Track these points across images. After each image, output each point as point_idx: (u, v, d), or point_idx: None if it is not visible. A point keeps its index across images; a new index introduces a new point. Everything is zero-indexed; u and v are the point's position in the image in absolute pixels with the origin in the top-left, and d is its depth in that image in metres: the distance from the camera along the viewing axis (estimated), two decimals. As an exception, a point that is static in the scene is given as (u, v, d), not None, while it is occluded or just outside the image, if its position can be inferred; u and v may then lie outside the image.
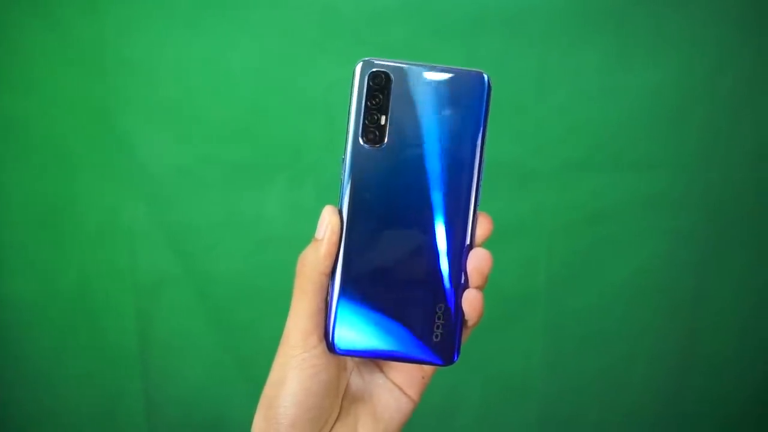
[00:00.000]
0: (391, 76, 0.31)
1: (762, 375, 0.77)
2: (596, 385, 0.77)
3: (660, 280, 0.74)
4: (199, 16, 0.68)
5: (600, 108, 0.70)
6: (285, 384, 0.31)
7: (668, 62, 0.68)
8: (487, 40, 0.68)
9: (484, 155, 0.32)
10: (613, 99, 0.69)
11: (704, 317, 0.75)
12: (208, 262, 0.74)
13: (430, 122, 0.31)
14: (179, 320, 0.76)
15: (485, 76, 0.32)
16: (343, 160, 0.32)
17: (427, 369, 0.34)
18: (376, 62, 0.31)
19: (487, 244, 0.32)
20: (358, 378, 0.35)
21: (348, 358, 0.34)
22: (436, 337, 0.32)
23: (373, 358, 0.33)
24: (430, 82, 0.31)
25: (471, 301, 0.32)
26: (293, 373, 0.31)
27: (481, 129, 0.32)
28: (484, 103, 0.32)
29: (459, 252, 0.32)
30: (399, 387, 0.34)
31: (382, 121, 0.31)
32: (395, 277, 0.32)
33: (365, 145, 0.31)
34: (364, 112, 0.31)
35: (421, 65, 0.31)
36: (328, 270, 0.32)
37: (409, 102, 0.31)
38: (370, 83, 0.31)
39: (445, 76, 0.31)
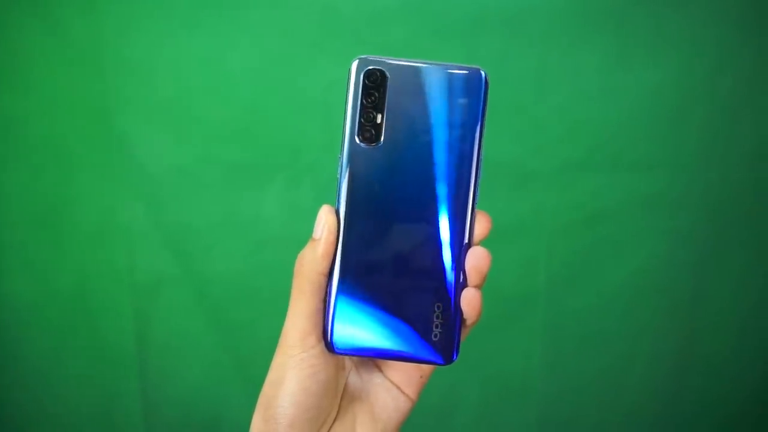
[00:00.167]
0: (387, 73, 0.31)
1: (761, 375, 0.77)
2: (595, 385, 0.77)
3: (659, 280, 0.74)
4: (198, 15, 0.68)
5: (600, 108, 0.70)
6: (283, 384, 0.31)
7: (668, 62, 0.68)
8: (487, 40, 0.68)
9: (482, 153, 0.32)
10: (612, 99, 0.69)
11: (703, 317, 0.75)
12: (206, 262, 0.74)
13: (427, 120, 0.31)
14: (177, 320, 0.76)
15: (482, 73, 0.31)
16: (340, 159, 0.32)
17: (426, 368, 0.34)
18: (371, 60, 0.31)
19: (486, 243, 0.32)
20: (356, 377, 0.35)
21: (346, 358, 0.34)
22: (435, 336, 0.32)
23: (372, 357, 0.33)
24: (427, 79, 0.31)
25: (470, 300, 0.31)
26: (292, 373, 0.31)
27: (479, 126, 0.31)
28: (482, 100, 0.31)
29: (457, 251, 0.32)
30: (397, 386, 0.34)
31: (378, 120, 0.31)
32: (393, 276, 0.32)
33: (361, 143, 0.31)
34: (359, 111, 0.31)
35: (417, 62, 0.31)
36: (326, 270, 0.31)
37: (406, 99, 0.31)
38: (366, 81, 0.31)
39: (442, 72, 0.31)
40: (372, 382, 0.34)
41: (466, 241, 0.32)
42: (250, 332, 0.75)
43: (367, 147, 0.31)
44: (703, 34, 0.68)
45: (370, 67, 0.31)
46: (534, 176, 0.71)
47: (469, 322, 0.32)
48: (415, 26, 0.68)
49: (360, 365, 0.35)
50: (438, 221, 0.32)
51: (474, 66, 0.31)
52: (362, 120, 0.31)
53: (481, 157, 0.32)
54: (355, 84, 0.31)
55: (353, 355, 0.32)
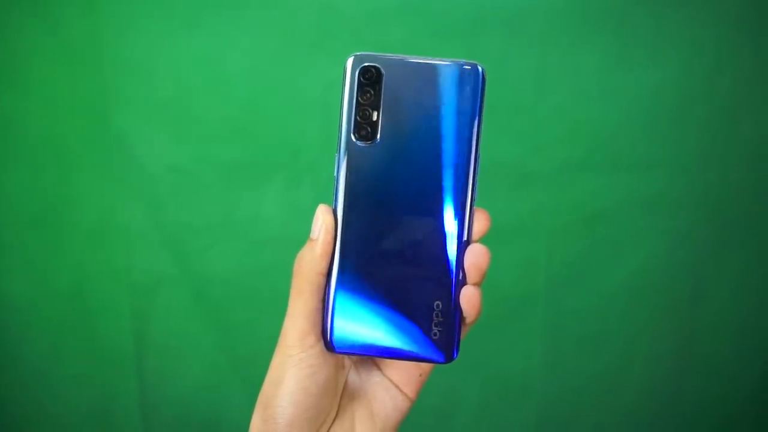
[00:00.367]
0: (383, 70, 0.31)
1: (760, 375, 0.77)
2: (595, 385, 0.77)
3: (658, 281, 0.74)
4: (197, 15, 0.68)
5: (599, 108, 0.70)
6: (282, 384, 0.31)
7: (668, 62, 0.68)
8: (487, 40, 0.68)
9: (480, 149, 0.31)
10: (612, 99, 0.69)
11: (702, 317, 0.75)
12: (204, 262, 0.74)
13: (424, 117, 0.31)
14: (176, 320, 0.76)
15: (479, 68, 0.31)
16: (336, 157, 0.31)
17: (425, 367, 0.34)
18: (366, 56, 0.31)
19: (486, 243, 0.32)
20: (355, 376, 0.35)
21: (345, 357, 0.34)
22: (435, 334, 0.32)
23: (371, 356, 0.32)
24: (423, 76, 0.31)
25: (469, 298, 0.31)
26: (291, 372, 0.31)
27: (476, 122, 0.31)
28: (479, 96, 0.31)
29: (456, 248, 0.31)
30: (396, 385, 0.34)
31: (374, 117, 0.31)
32: (392, 274, 0.31)
33: (357, 141, 0.31)
34: (355, 108, 0.31)
35: (413, 58, 0.31)
36: (325, 269, 0.31)
37: (402, 96, 0.31)
38: (361, 78, 0.31)
39: (439, 68, 0.31)
40: (371, 381, 0.34)
41: (464, 238, 0.31)
42: (249, 332, 0.75)
43: (363, 145, 0.31)
44: (702, 35, 0.68)
45: (366, 64, 0.31)
46: (534, 176, 0.71)
47: (468, 320, 0.32)
48: (415, 26, 0.67)
49: (359, 364, 0.35)
50: (436, 219, 0.31)
51: (471, 61, 0.31)
52: (358, 118, 0.31)
53: (479, 153, 0.31)
54: (350, 81, 0.31)
55: (353, 354, 0.32)
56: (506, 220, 0.71)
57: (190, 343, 0.76)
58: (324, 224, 0.31)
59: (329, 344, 0.32)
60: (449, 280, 0.31)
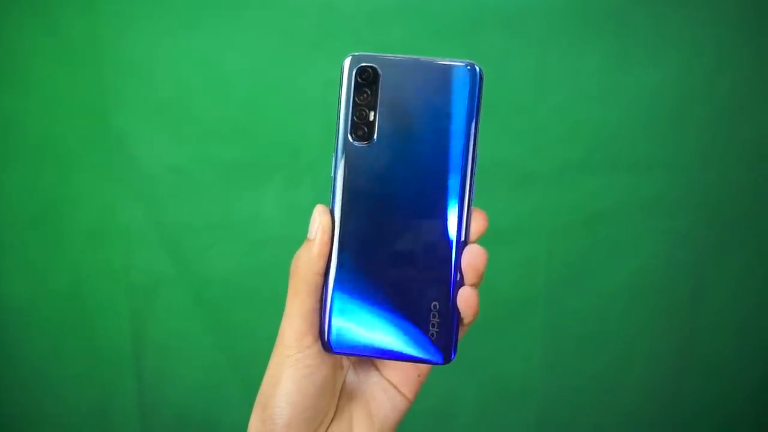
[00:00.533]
0: (380, 70, 0.31)
1: (760, 375, 0.77)
2: (595, 385, 0.77)
3: (658, 281, 0.74)
4: (196, 15, 0.68)
5: (599, 108, 0.70)
6: (280, 384, 0.31)
7: (667, 63, 0.68)
8: (486, 40, 0.68)
9: (477, 149, 0.31)
10: (612, 99, 0.69)
11: (702, 317, 0.75)
12: (203, 262, 0.74)
13: (421, 116, 0.31)
14: (174, 321, 0.76)
15: (477, 68, 0.31)
16: (334, 157, 0.31)
17: (423, 367, 0.34)
18: (363, 56, 0.30)
19: (486, 244, 0.32)
20: (353, 376, 0.35)
21: (343, 357, 0.34)
22: (432, 335, 0.32)
23: (369, 356, 0.32)
24: (421, 75, 0.31)
25: (466, 299, 0.31)
26: (288, 373, 0.31)
27: (474, 122, 0.31)
28: (476, 95, 0.31)
29: (453, 249, 0.31)
30: (394, 386, 0.34)
31: (371, 117, 0.31)
32: (390, 275, 0.31)
33: (354, 142, 0.31)
34: (352, 109, 0.31)
35: (410, 58, 0.31)
36: (322, 270, 0.31)
37: (399, 96, 0.31)
38: (358, 79, 0.31)
39: (436, 67, 0.31)
40: (369, 381, 0.34)
41: (462, 239, 0.31)
42: (247, 333, 0.75)
43: (360, 145, 0.31)
44: (702, 35, 0.68)
45: (363, 64, 0.30)
46: (534, 176, 0.71)
47: (466, 321, 0.32)
48: (415, 26, 0.67)
49: (357, 364, 0.35)
50: (433, 219, 0.31)
51: (469, 61, 0.31)
52: (355, 118, 0.31)
53: (477, 153, 0.31)
54: (347, 82, 0.31)
55: (350, 354, 0.32)
56: (506, 221, 0.71)
57: (189, 344, 0.76)
58: (321, 225, 0.31)
59: (326, 345, 0.32)
60: (446, 281, 0.31)
